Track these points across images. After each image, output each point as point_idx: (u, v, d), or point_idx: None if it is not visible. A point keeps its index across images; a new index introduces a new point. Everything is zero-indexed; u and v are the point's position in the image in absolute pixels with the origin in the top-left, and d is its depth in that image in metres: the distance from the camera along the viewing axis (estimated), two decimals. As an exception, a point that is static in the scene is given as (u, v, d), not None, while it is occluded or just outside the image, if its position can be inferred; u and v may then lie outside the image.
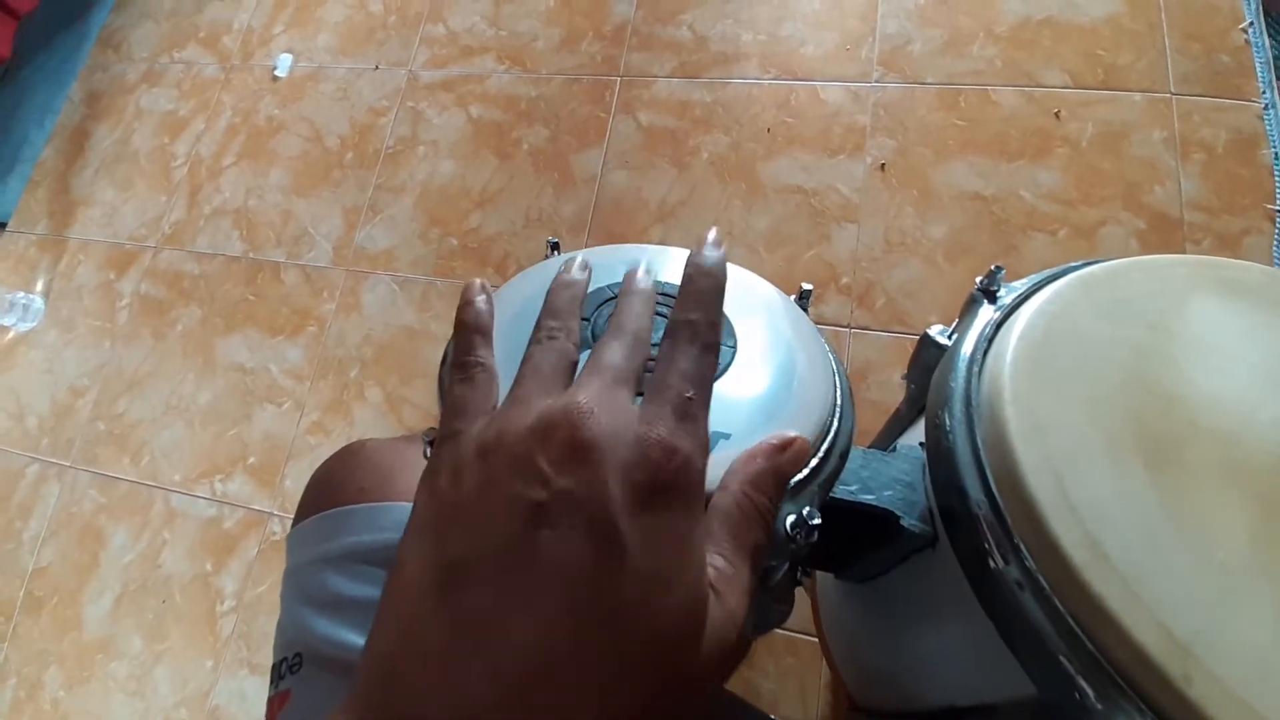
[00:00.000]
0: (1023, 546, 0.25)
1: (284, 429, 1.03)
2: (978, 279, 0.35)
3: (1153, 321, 0.30)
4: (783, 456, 0.21)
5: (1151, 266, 0.33)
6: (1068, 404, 0.28)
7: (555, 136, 1.10)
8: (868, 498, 0.33)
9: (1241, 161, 0.88)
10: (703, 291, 0.22)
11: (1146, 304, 0.31)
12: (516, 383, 0.21)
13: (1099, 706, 0.22)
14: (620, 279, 0.29)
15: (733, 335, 0.28)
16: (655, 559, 0.17)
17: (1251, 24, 0.93)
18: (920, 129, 0.98)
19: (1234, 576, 0.23)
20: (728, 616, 0.18)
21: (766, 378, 0.27)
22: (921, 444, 0.34)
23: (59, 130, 1.35)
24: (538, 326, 0.23)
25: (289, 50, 1.29)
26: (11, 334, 1.20)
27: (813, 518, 0.23)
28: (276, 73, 1.27)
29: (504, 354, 0.26)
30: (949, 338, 0.35)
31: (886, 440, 0.48)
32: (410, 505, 0.19)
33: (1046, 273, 0.35)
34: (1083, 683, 0.23)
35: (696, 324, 0.21)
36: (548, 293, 0.25)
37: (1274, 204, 0.85)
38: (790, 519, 0.23)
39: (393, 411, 1.00)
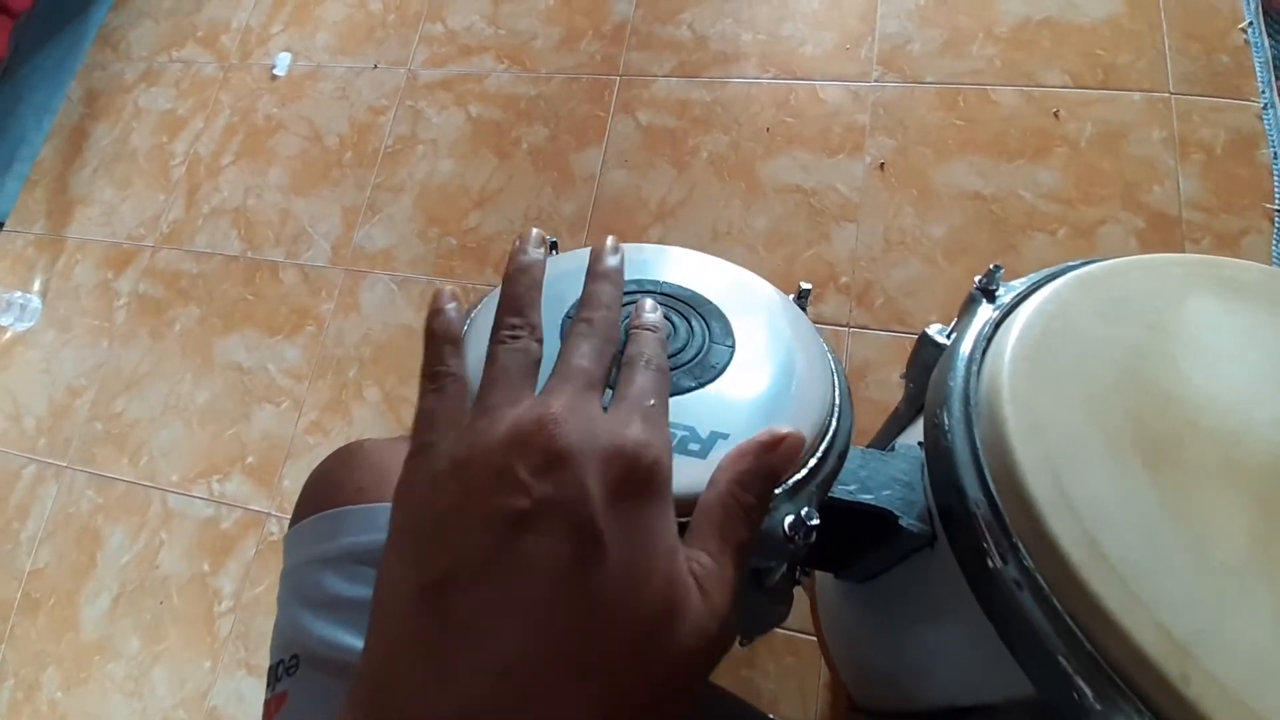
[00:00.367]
0: (1021, 546, 0.25)
1: (282, 429, 1.02)
2: (976, 278, 0.35)
3: (1151, 321, 0.30)
4: (773, 454, 0.22)
5: (1150, 266, 0.33)
6: (1066, 403, 0.27)
7: (554, 136, 1.10)
8: (866, 497, 0.33)
9: (1240, 161, 0.88)
10: (649, 338, 0.24)
11: (1145, 303, 0.31)
12: (482, 389, 0.21)
13: (1097, 706, 0.22)
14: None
15: (731, 335, 0.28)
16: (633, 551, 0.18)
17: (1251, 24, 0.93)
18: (920, 128, 0.98)
19: (1232, 576, 0.23)
20: (710, 609, 0.18)
21: (765, 377, 0.27)
22: (920, 443, 0.34)
23: (57, 129, 1.35)
24: (497, 324, 0.23)
25: (288, 49, 1.29)
26: (9, 334, 1.20)
27: (811, 518, 0.23)
28: (275, 72, 1.27)
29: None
30: (948, 337, 0.35)
31: (885, 440, 0.48)
32: None
33: (1045, 272, 0.35)
34: (1081, 682, 0.22)
35: (650, 359, 0.23)
36: (504, 279, 0.25)
37: (1273, 204, 0.85)
38: (789, 519, 0.23)
39: (391, 411, 1.00)
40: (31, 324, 1.19)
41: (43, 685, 0.96)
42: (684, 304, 0.29)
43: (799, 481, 0.25)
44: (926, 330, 0.36)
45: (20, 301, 1.18)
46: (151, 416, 1.08)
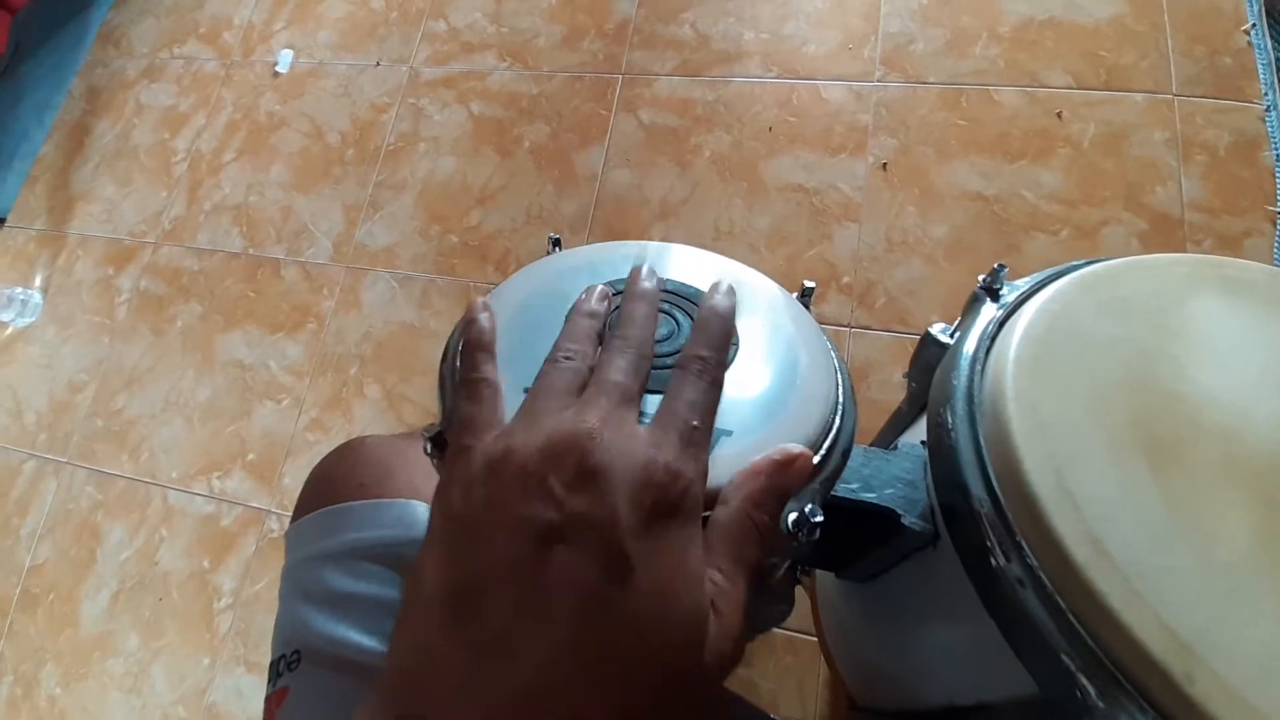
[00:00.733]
0: (1024, 544, 0.25)
1: (283, 426, 1.02)
2: (981, 277, 0.35)
3: (1154, 320, 0.30)
4: (786, 473, 0.22)
5: (1153, 265, 0.33)
6: (1070, 402, 0.27)
7: (556, 134, 1.10)
8: (869, 496, 0.33)
9: (1243, 163, 0.88)
10: (714, 333, 0.24)
11: (1148, 303, 0.31)
12: (529, 399, 0.22)
13: (1100, 705, 0.22)
14: (622, 274, 0.29)
15: (734, 332, 0.28)
16: (659, 576, 0.18)
17: (1254, 26, 0.93)
18: (922, 128, 0.98)
19: (1236, 575, 0.23)
20: (724, 630, 0.19)
21: (769, 375, 0.27)
22: (923, 442, 0.34)
23: (59, 125, 1.35)
24: (556, 347, 0.24)
25: (290, 46, 1.29)
26: (10, 329, 1.20)
27: (814, 515, 0.23)
28: (277, 68, 1.27)
29: (504, 351, 0.26)
30: (951, 336, 0.35)
31: (888, 439, 0.48)
32: (410, 502, 0.20)
33: (1048, 271, 0.35)
34: (1084, 681, 0.22)
35: (707, 360, 0.23)
36: (568, 316, 0.26)
37: (1275, 206, 0.85)
38: (792, 516, 0.23)
39: (392, 409, 1.00)
40: (32, 320, 1.19)
41: (42, 681, 0.96)
42: (687, 300, 0.29)
43: (802, 479, 0.25)
44: (930, 329, 0.36)
45: (21, 297, 1.18)
46: (152, 413, 1.08)
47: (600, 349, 0.24)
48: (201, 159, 1.24)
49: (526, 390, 0.23)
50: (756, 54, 1.07)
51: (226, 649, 0.92)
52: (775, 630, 0.79)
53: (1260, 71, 0.91)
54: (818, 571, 0.54)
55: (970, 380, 0.31)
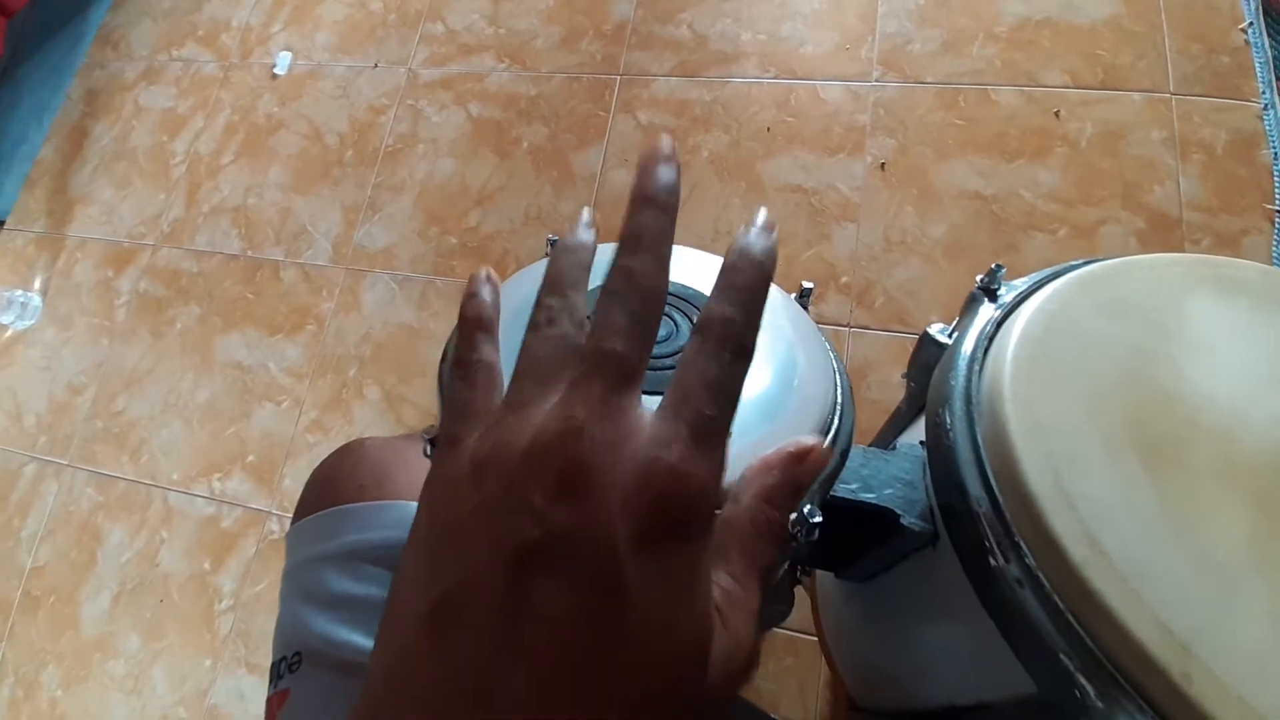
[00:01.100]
0: (1023, 544, 0.25)
1: (283, 427, 1.02)
2: (978, 277, 0.35)
3: (1151, 320, 0.30)
4: (801, 467, 0.19)
5: (1150, 265, 0.33)
6: (1067, 402, 0.28)
7: (555, 135, 1.10)
8: (868, 496, 0.33)
9: (1241, 162, 0.88)
10: (747, 284, 0.17)
11: (1145, 303, 0.31)
12: (514, 381, 0.18)
13: (1099, 704, 0.22)
14: None
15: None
16: (659, 601, 0.15)
17: (1251, 24, 0.93)
18: (920, 128, 0.98)
19: (1232, 574, 0.23)
20: (735, 643, 0.16)
21: (767, 375, 0.27)
22: (922, 442, 0.34)
23: (57, 128, 1.35)
24: (537, 305, 0.20)
25: (288, 48, 1.29)
26: (9, 332, 1.19)
27: (814, 515, 0.23)
28: (275, 70, 1.27)
29: (504, 351, 0.26)
30: (949, 336, 0.35)
31: (886, 439, 0.48)
32: (410, 504, 0.19)
33: (1046, 271, 0.35)
34: (1082, 680, 0.23)
35: (733, 323, 0.17)
36: (549, 260, 0.21)
37: (1273, 204, 0.85)
38: (791, 516, 0.23)
39: (392, 410, 1.00)
40: (32, 322, 1.19)
41: (43, 683, 0.96)
42: (685, 301, 0.30)
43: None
44: (928, 330, 0.36)
45: (21, 300, 1.18)
46: (152, 415, 1.08)
47: (599, 290, 0.18)
48: (200, 161, 1.24)
49: None
50: (754, 54, 1.07)
51: (227, 650, 0.92)
52: (775, 630, 0.79)
53: (1258, 70, 0.91)
54: (818, 571, 0.54)
55: (968, 380, 0.31)
